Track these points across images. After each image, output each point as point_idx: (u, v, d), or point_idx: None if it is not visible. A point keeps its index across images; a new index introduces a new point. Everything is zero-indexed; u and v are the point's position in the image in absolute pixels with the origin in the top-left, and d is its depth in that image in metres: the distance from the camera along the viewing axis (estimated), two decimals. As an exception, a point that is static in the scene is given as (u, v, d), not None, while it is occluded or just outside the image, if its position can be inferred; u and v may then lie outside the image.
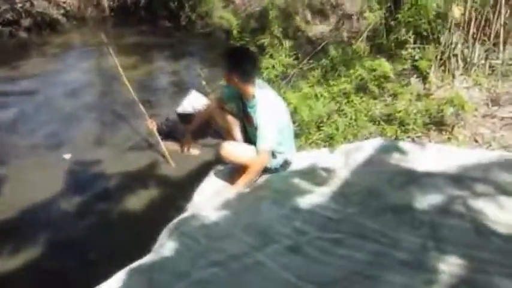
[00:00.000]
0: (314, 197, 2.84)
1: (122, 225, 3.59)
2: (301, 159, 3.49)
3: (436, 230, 2.31)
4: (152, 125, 4.09)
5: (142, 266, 2.28)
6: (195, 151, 4.05)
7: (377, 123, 3.77)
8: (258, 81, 3.32)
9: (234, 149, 3.31)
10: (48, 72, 7.19)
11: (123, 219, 3.67)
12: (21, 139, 5.07)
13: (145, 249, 2.59)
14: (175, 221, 2.70)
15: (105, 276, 2.36)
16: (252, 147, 3.24)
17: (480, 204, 2.41)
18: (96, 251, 3.33)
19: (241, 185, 3.20)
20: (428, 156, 3.13)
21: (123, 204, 3.83)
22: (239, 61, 3.15)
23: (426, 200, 2.55)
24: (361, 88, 4.09)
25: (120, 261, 2.46)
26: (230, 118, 3.63)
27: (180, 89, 5.88)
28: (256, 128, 3.18)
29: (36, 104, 6.00)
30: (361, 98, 4.00)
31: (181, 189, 3.63)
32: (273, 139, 3.17)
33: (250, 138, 3.45)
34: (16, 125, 5.50)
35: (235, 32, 4.82)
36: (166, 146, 4.11)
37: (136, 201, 3.85)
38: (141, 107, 4.25)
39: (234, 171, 3.39)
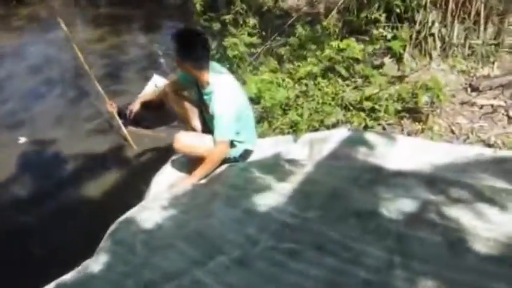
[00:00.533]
0: (272, 196, 2.45)
1: (75, 214, 3.22)
2: (262, 148, 3.10)
3: (404, 242, 1.94)
4: (112, 108, 3.67)
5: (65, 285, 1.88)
6: (158, 134, 3.65)
7: (345, 108, 3.39)
8: (214, 64, 2.90)
9: (189, 141, 2.91)
10: (12, 46, 6.68)
11: (78, 207, 3.29)
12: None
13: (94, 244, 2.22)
14: (113, 226, 2.29)
15: (46, 274, 1.98)
16: (209, 136, 2.85)
17: (455, 213, 2.04)
18: (44, 243, 2.97)
19: (197, 176, 2.83)
20: (399, 151, 2.74)
21: (80, 191, 3.44)
22: (189, 46, 2.74)
23: (394, 205, 2.17)
24: (330, 70, 3.68)
25: (66, 257, 2.10)
26: (187, 104, 3.19)
27: (146, 65, 5.46)
28: (213, 117, 2.78)
29: None
30: (329, 80, 3.59)
31: (143, 175, 3.25)
32: (231, 128, 2.80)
33: (208, 126, 3.04)
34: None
35: (198, 7, 4.30)
36: (128, 130, 3.71)
37: (94, 187, 3.47)
38: (98, 87, 3.76)
39: (192, 161, 3.01)
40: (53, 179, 3.62)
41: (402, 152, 2.75)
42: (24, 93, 5.04)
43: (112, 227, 2.30)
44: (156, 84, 3.88)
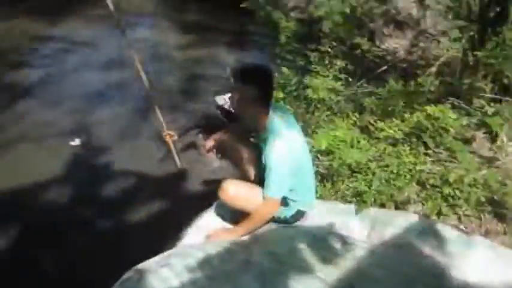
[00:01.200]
0: (312, 284, 2.13)
1: (107, 236, 3.12)
2: (319, 212, 2.78)
3: None
4: (169, 138, 3.29)
5: None
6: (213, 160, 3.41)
7: (422, 185, 2.97)
8: (277, 106, 2.64)
9: (236, 192, 2.59)
10: (88, 37, 6.79)
11: (112, 229, 3.22)
12: (37, 110, 4.70)
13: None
14: (126, 274, 2.10)
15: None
16: (260, 189, 2.52)
17: None
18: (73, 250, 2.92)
19: (239, 233, 2.58)
20: (475, 256, 2.31)
21: (119, 211, 3.37)
22: (252, 83, 2.41)
23: None
24: (413, 135, 3.28)
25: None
26: (242, 148, 2.83)
27: (219, 86, 5.27)
28: (266, 167, 2.46)
29: (64, 70, 5.63)
30: (410, 147, 3.19)
31: (189, 208, 3.07)
32: (283, 185, 2.48)
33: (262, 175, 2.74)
34: (38, 91, 5.16)
35: (283, 37, 4.06)
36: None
37: (135, 209, 3.39)
38: (158, 113, 3.34)
39: (239, 212, 2.69)
40: (96, 192, 3.56)
41: (479, 258, 2.31)
42: (87, 93, 5.03)
43: (125, 276, 2.11)
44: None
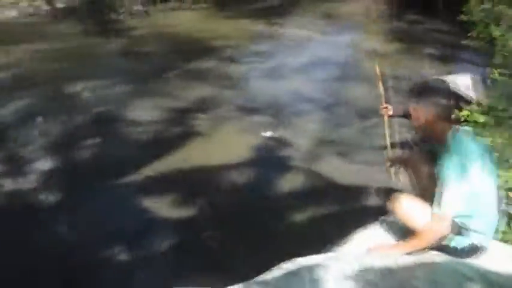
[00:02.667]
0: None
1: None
2: (499, 257, 2.41)
3: None
4: (386, 112, 3.15)
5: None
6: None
7: None
8: (463, 129, 2.43)
9: (408, 207, 2.46)
10: (300, 37, 7.20)
11: (277, 216, 3.37)
12: (240, 98, 5.19)
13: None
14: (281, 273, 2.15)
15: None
16: None
17: None
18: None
19: (404, 250, 2.41)
20: None
21: (283, 204, 3.50)
22: (430, 99, 2.38)
23: None
24: None
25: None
26: (419, 163, 2.71)
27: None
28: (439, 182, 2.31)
29: (269, 67, 6.06)
30: None
31: (358, 212, 3.12)
32: (454, 204, 2.27)
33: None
34: (243, 83, 5.68)
35: (499, 57, 3.62)
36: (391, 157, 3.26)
37: (305, 205, 3.48)
38: (381, 86, 3.37)
39: (406, 228, 2.53)
40: (271, 183, 3.75)
41: None
42: (291, 92, 5.30)
43: (284, 265, 2.17)
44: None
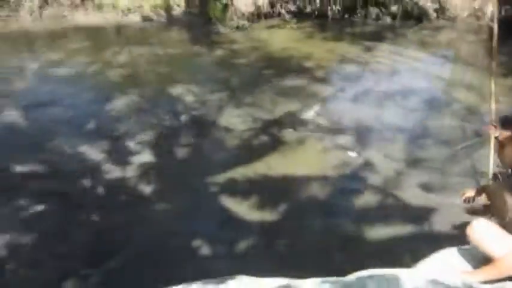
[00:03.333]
0: None
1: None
2: None
3: None
4: (493, 132, 2.93)
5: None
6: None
7: None
8: None
9: (485, 235, 2.46)
10: (397, 63, 7.26)
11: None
12: (329, 115, 5.43)
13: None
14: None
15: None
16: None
17: None
18: None
19: (477, 278, 2.43)
20: None
21: (360, 217, 3.64)
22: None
23: None
24: None
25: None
26: (503, 192, 2.60)
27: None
28: None
29: (355, 93, 6.28)
30: None
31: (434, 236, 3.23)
32: None
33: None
34: (331, 100, 5.92)
35: None
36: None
37: (376, 224, 3.62)
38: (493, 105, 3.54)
39: (483, 257, 2.55)
40: (347, 199, 3.94)
41: None
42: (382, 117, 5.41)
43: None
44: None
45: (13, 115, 5.93)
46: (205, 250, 3.56)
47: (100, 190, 4.36)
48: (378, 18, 11.30)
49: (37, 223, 3.88)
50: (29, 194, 4.22)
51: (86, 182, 4.45)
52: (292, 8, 12.38)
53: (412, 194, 3.99)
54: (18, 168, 4.64)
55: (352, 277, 2.22)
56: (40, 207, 4.03)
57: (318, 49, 9.28)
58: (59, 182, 4.43)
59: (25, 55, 9.15)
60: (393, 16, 11.08)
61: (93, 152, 4.98)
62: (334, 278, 2.15)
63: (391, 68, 7.59)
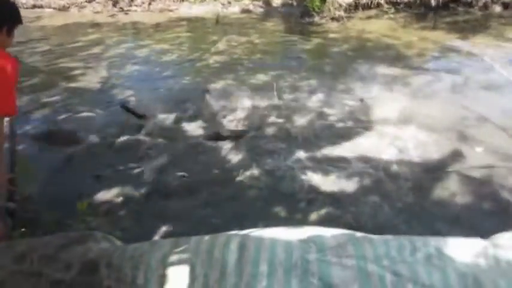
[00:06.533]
0: None
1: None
2: None
3: None
4: None
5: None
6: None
7: None
8: None
9: None
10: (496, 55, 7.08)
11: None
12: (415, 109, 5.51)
13: None
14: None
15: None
16: None
17: None
18: None
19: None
20: None
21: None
22: None
23: None
24: None
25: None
26: None
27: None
28: None
29: (461, 83, 6.21)
30: None
31: None
32: None
33: None
34: (429, 94, 5.97)
35: None
36: None
37: None
38: None
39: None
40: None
41: None
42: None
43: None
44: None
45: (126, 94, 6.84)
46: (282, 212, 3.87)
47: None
48: (486, 7, 10.86)
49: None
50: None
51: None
52: (392, -3, 12.38)
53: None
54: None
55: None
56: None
57: (415, 38, 9.24)
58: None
59: (133, 44, 10.28)
60: (505, 6, 10.57)
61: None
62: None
63: (492, 60, 7.36)
